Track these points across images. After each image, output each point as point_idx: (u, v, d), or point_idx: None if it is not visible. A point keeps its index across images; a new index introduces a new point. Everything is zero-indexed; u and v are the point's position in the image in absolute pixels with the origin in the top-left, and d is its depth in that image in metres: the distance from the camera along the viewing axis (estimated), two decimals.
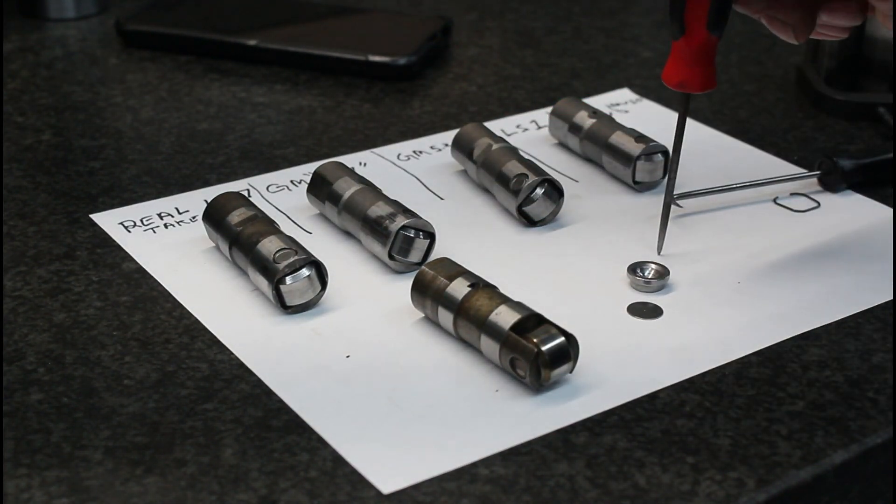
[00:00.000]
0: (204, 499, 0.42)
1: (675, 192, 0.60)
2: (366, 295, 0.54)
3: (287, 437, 0.45)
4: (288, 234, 0.54)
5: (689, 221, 0.60)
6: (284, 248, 0.52)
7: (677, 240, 0.58)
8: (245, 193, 0.61)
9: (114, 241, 0.58)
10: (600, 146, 0.63)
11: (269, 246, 0.52)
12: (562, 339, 0.47)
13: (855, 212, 0.60)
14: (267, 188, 0.62)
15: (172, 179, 0.63)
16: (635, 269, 0.54)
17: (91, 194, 0.62)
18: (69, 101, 0.72)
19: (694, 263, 0.56)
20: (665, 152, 0.62)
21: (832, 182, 0.62)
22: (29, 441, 0.45)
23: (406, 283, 0.52)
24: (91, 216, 0.60)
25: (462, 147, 0.62)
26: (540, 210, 0.59)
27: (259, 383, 0.48)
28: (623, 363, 0.49)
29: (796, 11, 0.52)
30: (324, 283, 0.52)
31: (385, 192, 0.57)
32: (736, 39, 0.82)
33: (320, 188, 0.58)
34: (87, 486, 0.43)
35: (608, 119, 0.64)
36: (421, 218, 0.55)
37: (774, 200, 0.61)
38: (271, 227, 0.54)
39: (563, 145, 0.66)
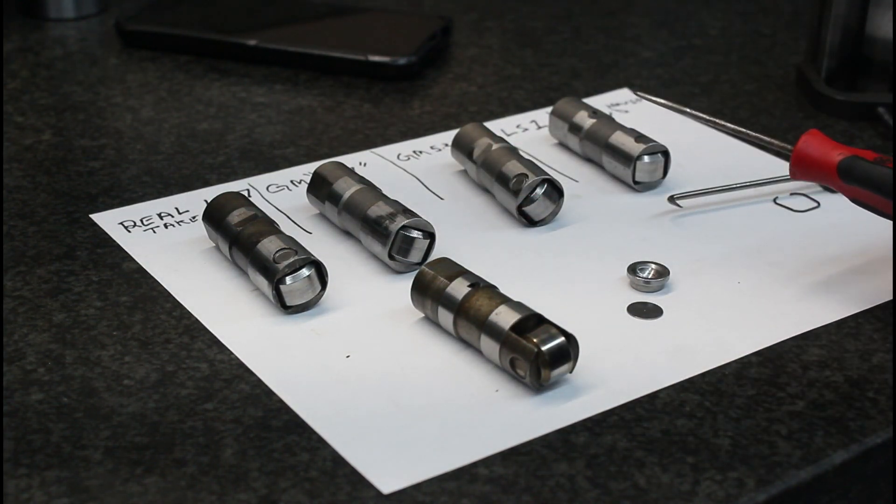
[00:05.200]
0: (204, 499, 0.42)
1: (675, 192, 0.60)
2: (366, 295, 0.54)
3: (287, 437, 0.45)
4: (288, 234, 0.54)
5: (689, 221, 0.60)
6: (284, 248, 0.52)
7: (677, 240, 0.58)
8: (245, 193, 0.61)
9: (114, 241, 0.58)
10: (600, 146, 0.63)
11: (269, 246, 0.52)
12: (562, 339, 0.47)
13: (855, 212, 0.60)
14: (267, 188, 0.62)
15: (172, 179, 0.63)
16: (635, 269, 0.54)
17: (91, 194, 0.62)
18: (69, 101, 0.72)
19: (694, 263, 0.56)
20: (665, 152, 0.62)
21: None
22: (29, 441, 0.45)
23: (406, 283, 0.52)
24: (91, 216, 0.60)
25: (462, 147, 0.62)
26: (540, 210, 0.59)
27: (259, 383, 0.48)
28: (623, 363, 0.49)
29: None
30: (324, 283, 0.52)
31: (385, 192, 0.57)
32: (736, 39, 0.82)
33: (320, 188, 0.58)
34: (87, 486, 0.43)
35: (608, 119, 0.64)
36: (421, 218, 0.55)
37: (774, 200, 0.61)
38: (271, 227, 0.54)
39: (563, 145, 0.66)
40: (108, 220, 0.59)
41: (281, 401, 0.47)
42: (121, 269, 0.55)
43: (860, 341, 0.51)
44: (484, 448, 0.45)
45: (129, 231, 0.58)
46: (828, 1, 0.70)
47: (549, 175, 0.59)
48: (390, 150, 0.66)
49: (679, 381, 0.48)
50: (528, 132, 0.68)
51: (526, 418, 0.46)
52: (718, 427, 0.46)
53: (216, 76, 0.75)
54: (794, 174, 0.53)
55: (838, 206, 0.61)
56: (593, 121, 0.64)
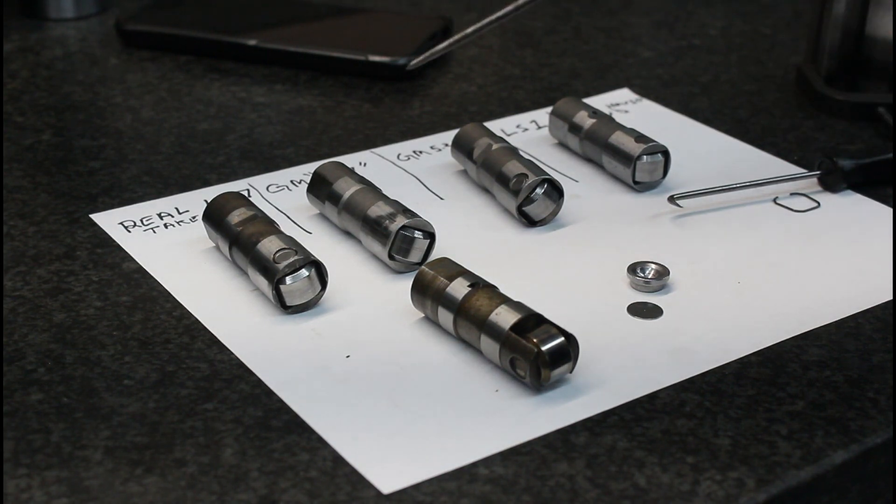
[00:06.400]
0: (204, 499, 0.42)
1: (675, 192, 0.60)
2: (366, 295, 0.54)
3: (287, 437, 0.45)
4: (288, 234, 0.54)
5: (689, 221, 0.60)
6: (284, 248, 0.52)
7: (677, 240, 0.58)
8: (245, 193, 0.61)
9: (114, 241, 0.58)
10: (600, 146, 0.63)
11: (269, 246, 0.52)
12: (562, 339, 0.47)
13: (855, 212, 0.61)
14: (267, 188, 0.62)
15: (172, 179, 0.63)
16: (635, 269, 0.54)
17: (91, 194, 0.62)
18: (69, 101, 0.72)
19: (694, 263, 0.56)
20: (665, 152, 0.62)
21: (832, 182, 0.62)
22: (29, 441, 0.45)
23: (406, 283, 0.52)
24: (91, 216, 0.60)
25: (462, 147, 0.62)
26: (540, 210, 0.59)
27: (259, 383, 0.48)
28: (623, 363, 0.49)
29: None
30: (324, 283, 0.52)
31: (385, 192, 0.57)
32: (736, 39, 0.82)
33: (320, 188, 0.58)
34: (87, 486, 0.43)
35: (608, 119, 0.64)
36: (421, 218, 0.55)
37: (774, 200, 0.61)
38: (271, 227, 0.54)
39: (563, 145, 0.66)
40: (108, 220, 0.59)
41: (281, 401, 0.47)
42: (121, 269, 0.55)
43: (860, 341, 0.51)
44: (484, 448, 0.45)
45: (129, 231, 0.58)
46: (828, 1, 0.71)
47: (549, 175, 0.59)
48: (390, 150, 0.66)
49: (679, 381, 0.48)
50: (528, 132, 0.68)
51: (526, 418, 0.46)
52: (718, 427, 0.46)
53: (216, 76, 0.75)
54: None
55: (838, 206, 0.61)
56: (593, 121, 0.64)
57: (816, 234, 0.59)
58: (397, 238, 0.54)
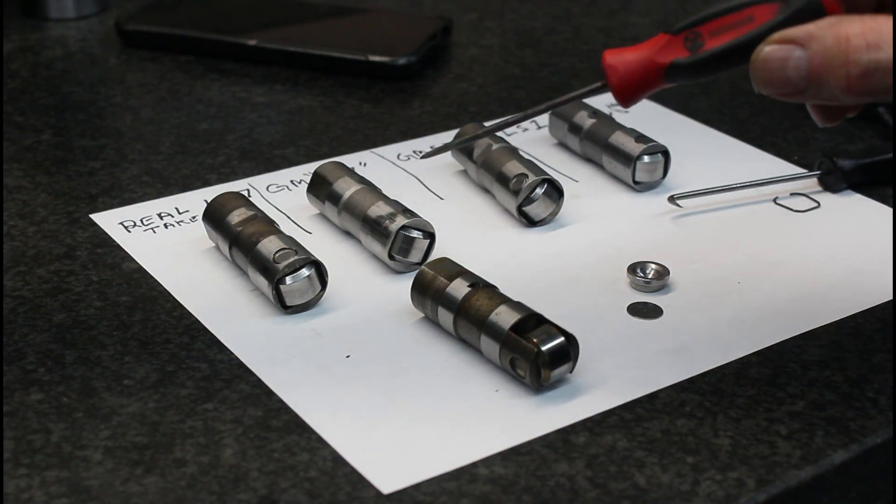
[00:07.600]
0: (204, 499, 0.42)
1: (675, 192, 0.60)
2: (366, 295, 0.54)
3: (287, 437, 0.45)
4: (288, 234, 0.54)
5: (689, 221, 0.60)
6: (284, 248, 0.52)
7: (677, 240, 0.58)
8: (245, 193, 0.61)
9: (114, 241, 0.58)
10: (600, 146, 0.63)
11: (269, 246, 0.52)
12: (562, 339, 0.47)
13: (855, 212, 0.60)
14: (267, 188, 0.62)
15: (172, 179, 0.63)
16: (635, 269, 0.54)
17: (91, 194, 0.62)
18: (69, 101, 0.72)
19: (694, 263, 0.56)
20: (665, 152, 0.62)
21: (832, 182, 0.62)
22: (29, 441, 0.45)
23: (406, 283, 0.52)
24: (91, 216, 0.60)
25: (462, 147, 0.62)
26: (540, 210, 0.59)
27: (259, 383, 0.48)
28: (623, 363, 0.49)
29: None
30: (324, 283, 0.52)
31: (385, 192, 0.57)
32: None
33: (320, 188, 0.58)
34: (87, 486, 0.43)
35: (608, 119, 0.64)
36: (421, 218, 0.55)
37: (774, 200, 0.61)
38: (271, 227, 0.54)
39: (563, 145, 0.66)
40: (108, 220, 0.59)
41: (281, 401, 0.47)
42: (121, 269, 0.55)
43: (860, 341, 0.51)
44: (484, 448, 0.45)
45: (129, 231, 0.58)
46: None
47: (549, 175, 0.59)
48: (390, 150, 0.66)
49: (679, 381, 0.48)
50: (528, 132, 0.68)
51: (526, 418, 0.46)
52: (718, 427, 0.46)
53: (216, 76, 0.75)
54: (623, 99, 0.46)
55: (838, 206, 0.61)
56: (593, 121, 0.64)
57: (816, 234, 0.59)
58: (397, 238, 0.54)
